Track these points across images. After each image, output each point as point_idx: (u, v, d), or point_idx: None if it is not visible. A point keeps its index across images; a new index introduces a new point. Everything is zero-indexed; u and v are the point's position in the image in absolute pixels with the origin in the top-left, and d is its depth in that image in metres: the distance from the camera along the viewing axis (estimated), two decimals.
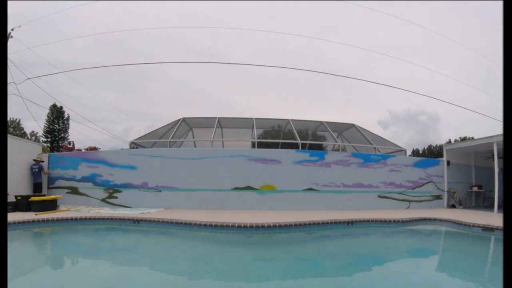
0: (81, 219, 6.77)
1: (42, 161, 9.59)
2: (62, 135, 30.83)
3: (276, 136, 13.66)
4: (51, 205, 8.21)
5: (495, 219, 7.07)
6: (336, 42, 14.75)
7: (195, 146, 11.90)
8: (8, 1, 2.89)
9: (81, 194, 9.56)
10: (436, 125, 46.35)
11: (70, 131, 31.01)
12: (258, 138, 11.90)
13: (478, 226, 6.31)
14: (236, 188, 9.42)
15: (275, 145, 11.74)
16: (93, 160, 9.77)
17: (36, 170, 9.29)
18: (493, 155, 9.23)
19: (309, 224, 6.43)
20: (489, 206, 10.63)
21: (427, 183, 10.52)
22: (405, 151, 11.59)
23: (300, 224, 6.32)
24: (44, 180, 9.57)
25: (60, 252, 5.13)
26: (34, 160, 9.43)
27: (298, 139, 10.54)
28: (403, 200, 10.20)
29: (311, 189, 9.64)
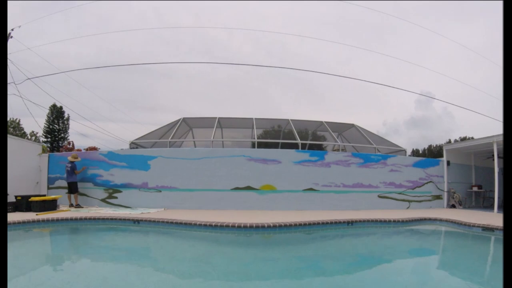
0: (81, 219, 6.78)
1: (76, 160, 9.52)
2: (62, 135, 30.90)
3: (276, 136, 13.66)
4: (51, 205, 8.22)
5: (495, 219, 7.08)
6: (334, 42, 14.76)
7: (195, 146, 11.91)
8: (8, 1, 2.89)
9: (81, 194, 9.56)
10: (437, 126, 46.39)
11: (70, 131, 31.10)
12: (258, 138, 11.90)
13: (478, 226, 6.31)
14: (236, 188, 9.42)
15: (275, 145, 11.74)
16: (93, 160, 9.78)
17: (69, 169, 9.31)
18: (493, 155, 9.24)
19: (309, 224, 6.43)
20: (489, 206, 10.64)
21: (427, 183, 10.52)
22: (405, 151, 11.59)
23: (300, 224, 6.32)
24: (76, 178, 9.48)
25: (61, 252, 5.14)
26: (69, 160, 9.46)
27: (298, 139, 10.54)
28: (403, 200, 10.20)
29: (311, 189, 9.64)
